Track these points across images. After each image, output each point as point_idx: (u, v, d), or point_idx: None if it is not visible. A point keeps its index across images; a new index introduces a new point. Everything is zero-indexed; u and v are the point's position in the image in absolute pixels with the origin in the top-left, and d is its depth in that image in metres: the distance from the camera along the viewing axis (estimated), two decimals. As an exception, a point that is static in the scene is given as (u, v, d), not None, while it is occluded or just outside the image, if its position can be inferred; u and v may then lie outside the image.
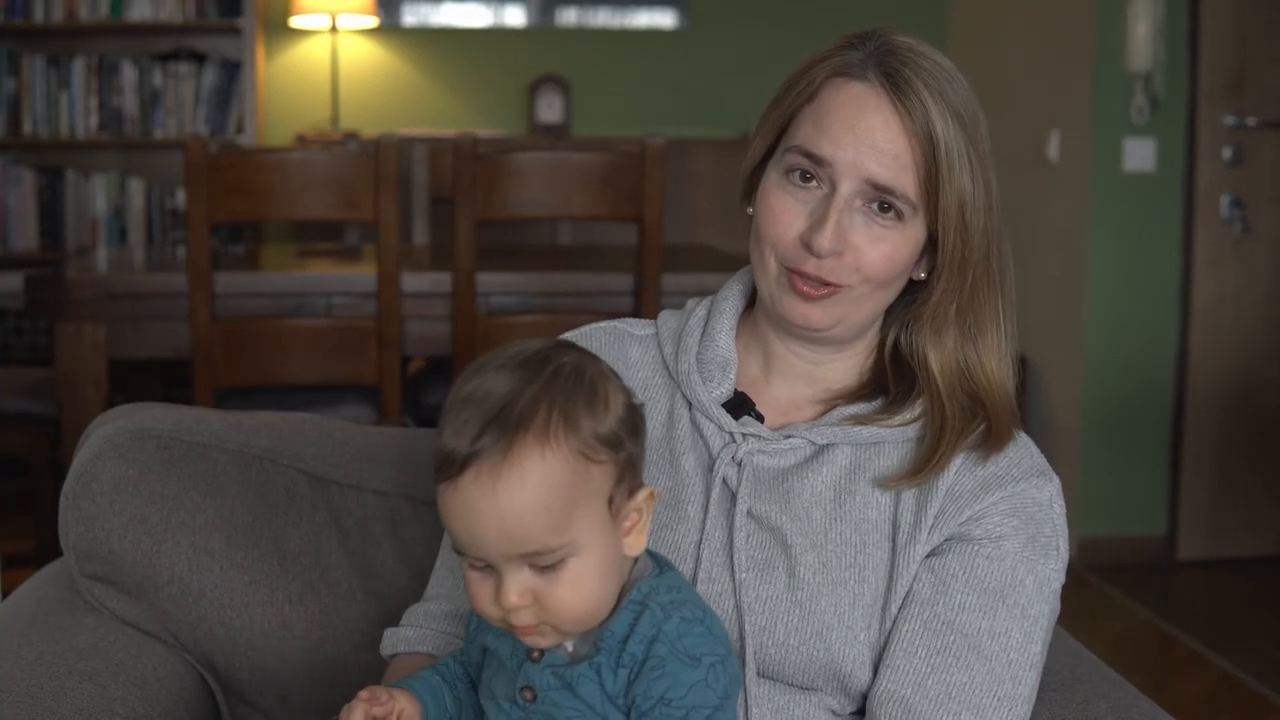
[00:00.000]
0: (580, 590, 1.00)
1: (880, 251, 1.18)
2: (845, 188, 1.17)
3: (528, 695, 1.04)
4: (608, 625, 1.03)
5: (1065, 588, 1.23)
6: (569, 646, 1.04)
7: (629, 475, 1.04)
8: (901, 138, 1.16)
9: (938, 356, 1.22)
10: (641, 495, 1.04)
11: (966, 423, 1.21)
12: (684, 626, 1.02)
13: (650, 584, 1.05)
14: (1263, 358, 4.09)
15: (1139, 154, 4.04)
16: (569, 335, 1.34)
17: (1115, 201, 4.06)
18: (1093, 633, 3.53)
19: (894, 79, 1.16)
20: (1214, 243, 4.04)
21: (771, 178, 1.21)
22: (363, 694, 1.08)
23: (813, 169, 1.18)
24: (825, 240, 1.16)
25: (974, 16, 4.95)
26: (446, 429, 1.00)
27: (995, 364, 1.23)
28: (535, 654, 1.04)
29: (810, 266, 1.17)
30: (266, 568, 1.52)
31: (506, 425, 0.98)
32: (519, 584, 0.99)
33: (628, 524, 1.04)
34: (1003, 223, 1.22)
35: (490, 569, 1.00)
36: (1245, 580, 4.00)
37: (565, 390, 1.01)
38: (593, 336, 1.33)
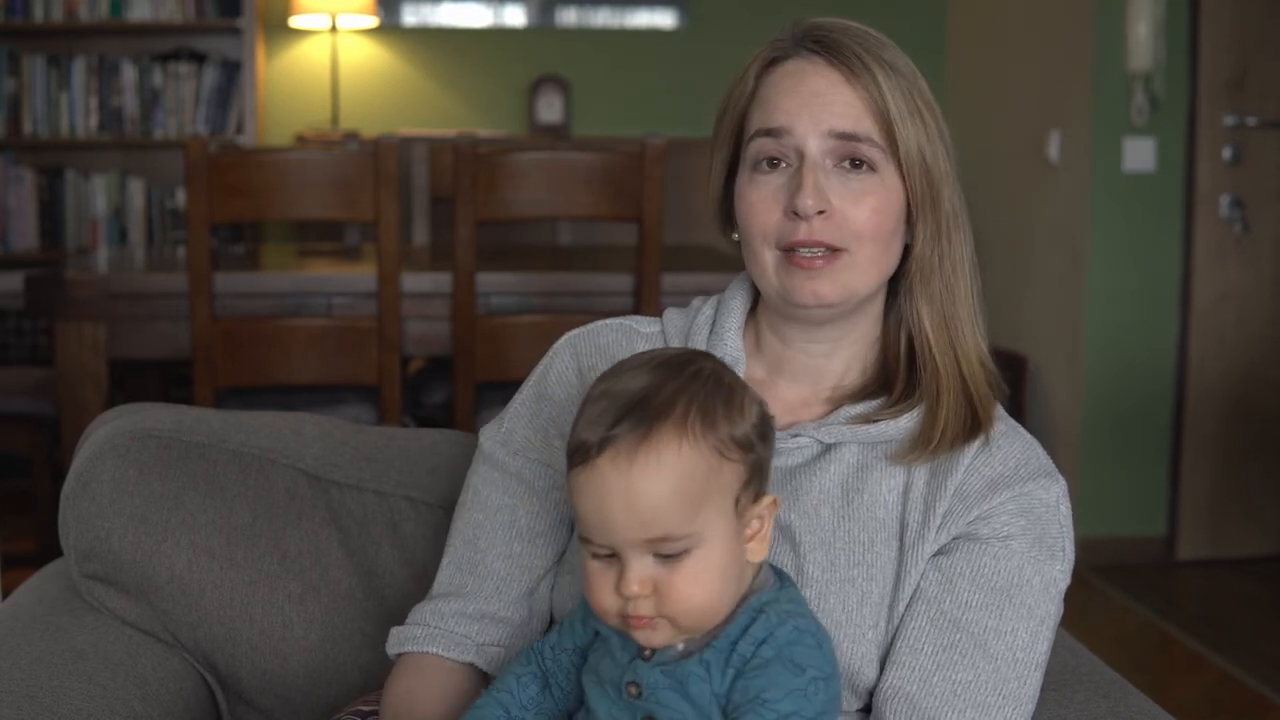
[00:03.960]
0: (700, 584, 1.01)
1: (867, 207, 1.18)
2: (812, 147, 1.18)
3: (633, 691, 1.05)
4: (724, 627, 1.04)
5: (1066, 588, 1.23)
6: (680, 646, 1.04)
7: (756, 479, 1.06)
8: (848, 89, 1.18)
9: (928, 309, 1.23)
10: (765, 502, 1.06)
11: (959, 395, 1.21)
12: (795, 635, 1.03)
13: (771, 594, 1.06)
14: (1263, 358, 4.09)
15: (1139, 154, 4.04)
16: (576, 332, 1.34)
17: (1115, 201, 4.06)
18: (1093, 633, 3.53)
19: (824, 44, 1.19)
20: (1214, 243, 4.04)
21: (743, 179, 1.22)
22: None
23: (776, 148, 1.19)
24: (807, 198, 1.16)
25: (974, 16, 4.95)
26: (582, 421, 1.03)
27: (969, 309, 1.24)
28: (647, 652, 1.05)
29: (802, 233, 1.18)
30: (266, 567, 1.52)
31: (645, 414, 1.01)
32: (641, 572, 1.01)
33: (750, 531, 1.05)
34: (956, 165, 1.23)
35: (612, 559, 1.02)
36: (1245, 580, 4.00)
37: (704, 390, 1.03)
38: (600, 333, 1.33)
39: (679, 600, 1.01)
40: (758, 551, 1.06)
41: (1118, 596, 3.85)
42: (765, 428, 1.07)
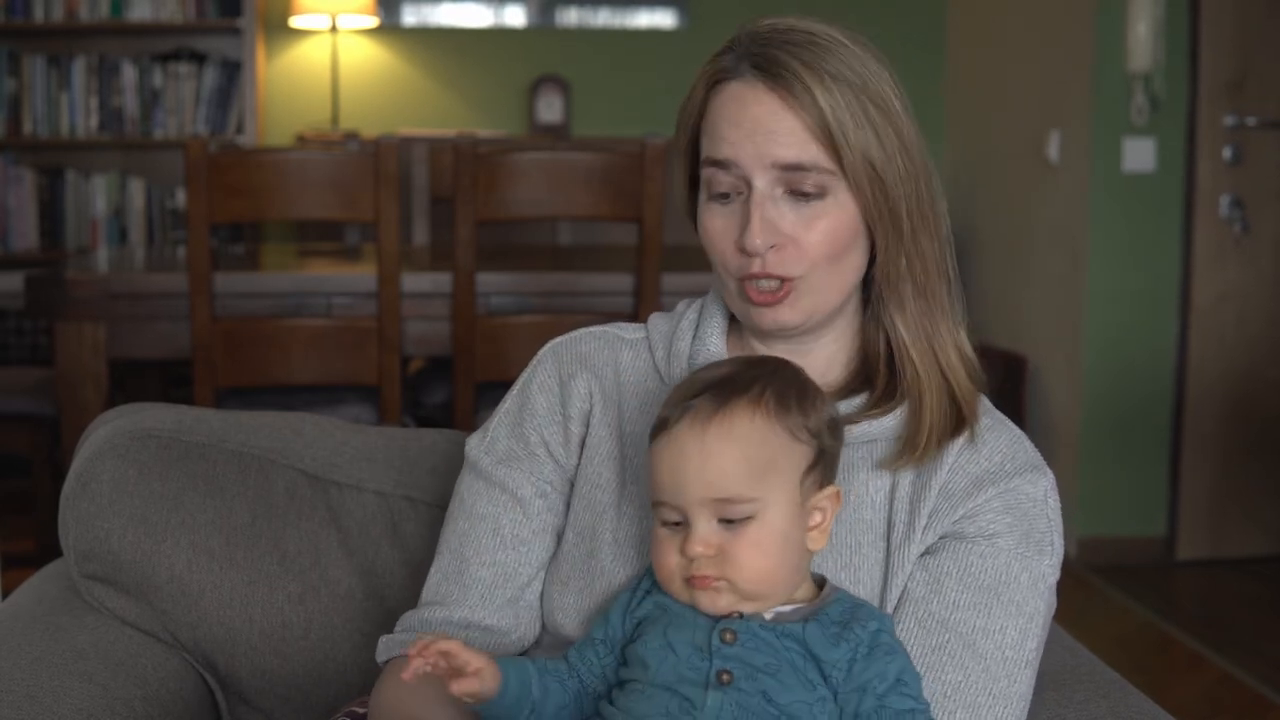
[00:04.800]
0: (760, 552, 1.08)
1: (818, 232, 1.17)
2: (759, 181, 1.17)
3: (728, 637, 1.08)
4: (825, 607, 1.10)
5: (1065, 588, 1.22)
6: (767, 616, 1.10)
7: (822, 467, 1.12)
8: (789, 115, 1.16)
9: (901, 314, 1.22)
10: (828, 491, 1.12)
11: (940, 394, 1.20)
12: (892, 627, 1.12)
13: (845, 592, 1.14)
14: (1263, 358, 4.10)
15: (1139, 154, 4.04)
16: (558, 341, 1.34)
17: (1115, 201, 4.06)
18: (1093, 633, 3.53)
19: (763, 66, 1.17)
20: (1214, 243, 4.04)
21: (701, 200, 1.22)
22: (442, 644, 1.08)
23: (727, 180, 1.18)
24: (755, 237, 1.16)
25: (974, 16, 4.95)
26: (666, 403, 1.12)
27: (944, 308, 1.22)
28: (736, 614, 1.09)
29: (756, 266, 1.17)
30: (266, 568, 1.52)
31: (724, 390, 1.10)
32: (706, 534, 1.07)
33: (812, 522, 1.11)
34: (928, 162, 1.21)
35: (680, 527, 1.09)
36: (1245, 580, 4.00)
37: (782, 379, 1.12)
38: (582, 341, 1.32)
39: (741, 565, 1.07)
40: (818, 541, 1.12)
41: (1118, 596, 3.85)
42: (836, 425, 1.14)
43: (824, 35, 1.18)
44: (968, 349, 1.23)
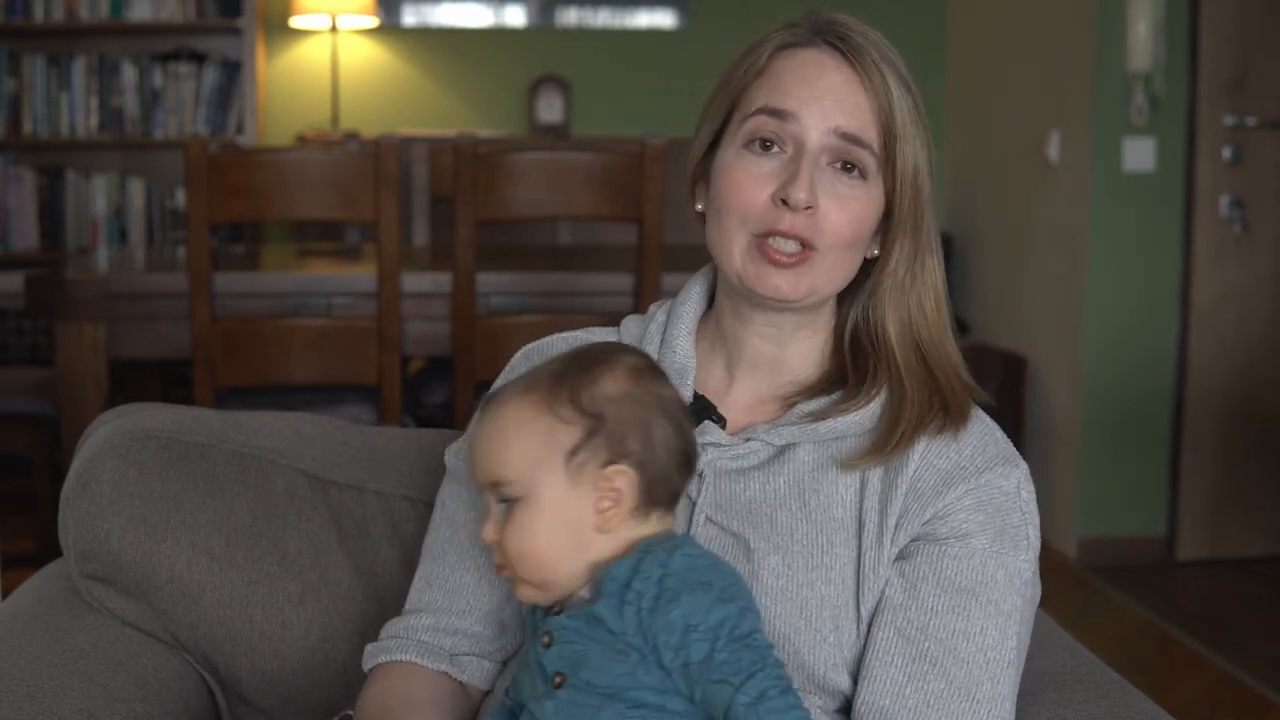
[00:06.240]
0: (527, 534, 1.09)
1: (849, 212, 1.18)
2: (814, 140, 1.17)
3: (545, 640, 1.09)
4: (609, 570, 1.07)
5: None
6: (585, 594, 1.09)
7: (601, 444, 1.09)
8: (861, 93, 1.18)
9: (896, 327, 1.22)
10: (613, 470, 1.09)
11: (926, 398, 1.20)
12: (688, 560, 1.07)
13: (652, 540, 1.10)
14: (1262, 358, 4.09)
15: (1139, 154, 4.04)
16: (530, 345, 1.35)
17: (1115, 202, 4.06)
18: (1093, 633, 3.53)
19: (845, 43, 1.19)
20: (1214, 243, 4.04)
21: (729, 154, 1.21)
22: None
23: (776, 129, 1.18)
24: (801, 191, 1.16)
25: (974, 16, 4.95)
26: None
27: (941, 330, 1.23)
28: (555, 609, 1.10)
29: (785, 223, 1.17)
30: (266, 568, 1.52)
31: (516, 382, 1.14)
32: (493, 519, 1.11)
33: (604, 504, 1.09)
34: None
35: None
36: (1245, 580, 4.00)
37: (570, 361, 1.13)
38: (554, 345, 1.33)
39: (510, 549, 1.09)
40: (607, 524, 1.09)
41: (1118, 596, 3.84)
42: (630, 405, 1.10)
43: (887, 41, 1.21)
44: (965, 373, 1.23)
